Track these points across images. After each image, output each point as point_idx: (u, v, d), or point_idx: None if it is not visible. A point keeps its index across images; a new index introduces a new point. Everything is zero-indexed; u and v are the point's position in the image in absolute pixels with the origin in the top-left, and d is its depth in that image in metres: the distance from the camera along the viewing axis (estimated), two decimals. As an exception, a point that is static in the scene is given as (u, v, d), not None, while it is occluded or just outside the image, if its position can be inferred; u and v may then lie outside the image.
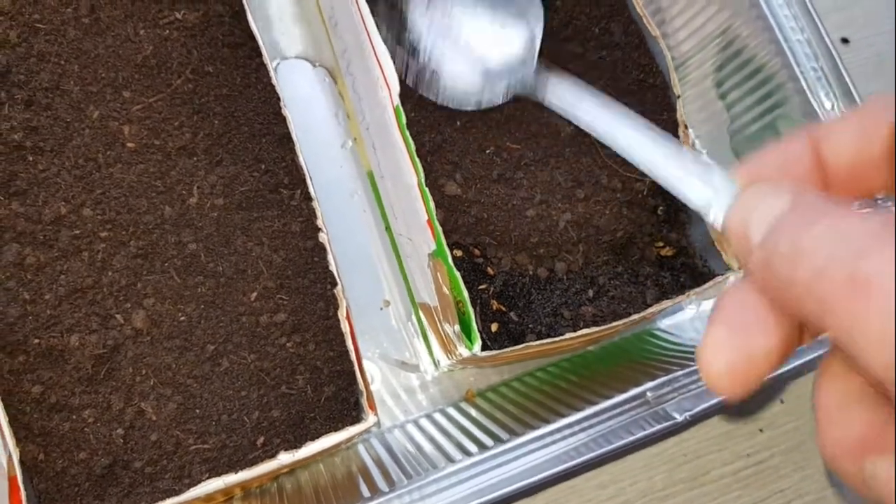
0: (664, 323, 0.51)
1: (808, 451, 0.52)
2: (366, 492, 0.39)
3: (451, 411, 0.47)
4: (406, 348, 0.49)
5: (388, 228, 0.50)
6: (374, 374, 0.48)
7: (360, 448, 0.45)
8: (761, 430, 0.52)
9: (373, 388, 0.48)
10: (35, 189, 0.40)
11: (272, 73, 0.42)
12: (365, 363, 0.48)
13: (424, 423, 0.46)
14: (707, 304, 0.52)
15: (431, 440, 0.43)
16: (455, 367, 0.47)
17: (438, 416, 0.46)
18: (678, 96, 0.44)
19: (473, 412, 0.46)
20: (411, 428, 0.46)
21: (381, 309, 0.49)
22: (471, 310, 0.40)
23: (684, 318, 0.51)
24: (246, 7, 0.42)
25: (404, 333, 0.49)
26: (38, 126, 0.40)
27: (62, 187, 0.40)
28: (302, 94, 0.52)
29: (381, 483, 0.39)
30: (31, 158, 0.40)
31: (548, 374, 0.49)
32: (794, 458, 0.51)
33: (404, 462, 0.41)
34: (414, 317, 0.49)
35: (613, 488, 0.48)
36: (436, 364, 0.48)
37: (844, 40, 0.61)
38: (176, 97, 0.42)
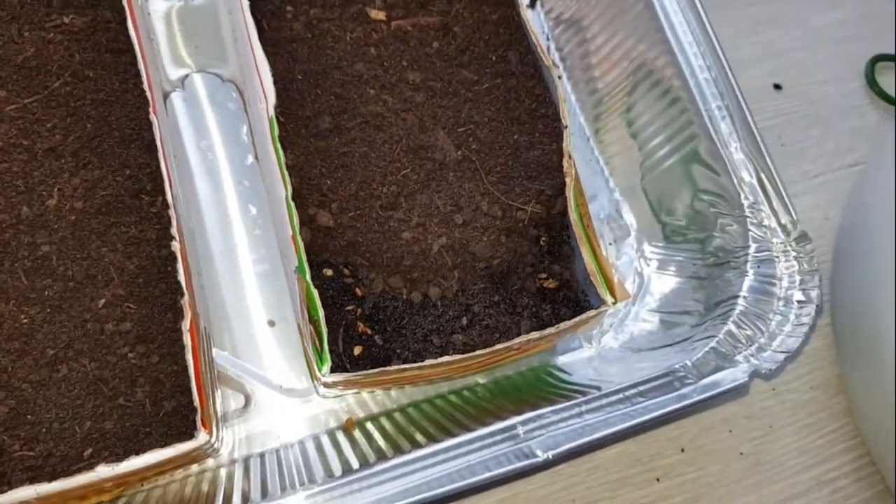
0: (560, 360, 0.49)
1: (706, 505, 0.49)
2: (199, 514, 0.37)
3: (324, 439, 0.45)
4: (286, 371, 0.47)
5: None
6: (256, 395, 0.47)
7: (222, 472, 0.43)
8: (658, 480, 0.49)
9: (246, 410, 0.46)
10: None
11: (144, 79, 0.41)
12: (245, 384, 0.47)
13: (294, 449, 0.44)
14: (607, 342, 0.50)
15: (291, 467, 0.42)
16: (329, 395, 0.46)
17: (309, 444, 0.44)
18: (565, 126, 0.43)
19: (344, 442, 0.44)
20: (281, 453, 0.44)
21: (267, 327, 0.48)
22: (324, 329, 0.38)
23: (581, 356, 0.49)
24: (129, 15, 0.42)
25: (286, 355, 0.47)
26: None
27: (-80, 181, 0.39)
28: (209, 107, 0.52)
29: (218, 506, 0.37)
30: None
31: (433, 406, 0.47)
32: (691, 512, 0.49)
33: (251, 487, 0.39)
34: (299, 339, 0.47)
35: (489, 530, 0.46)
36: (316, 389, 0.46)
37: (777, 86, 0.60)
38: (52, 99, 0.42)
